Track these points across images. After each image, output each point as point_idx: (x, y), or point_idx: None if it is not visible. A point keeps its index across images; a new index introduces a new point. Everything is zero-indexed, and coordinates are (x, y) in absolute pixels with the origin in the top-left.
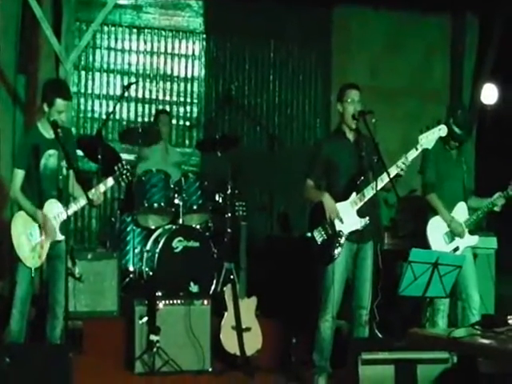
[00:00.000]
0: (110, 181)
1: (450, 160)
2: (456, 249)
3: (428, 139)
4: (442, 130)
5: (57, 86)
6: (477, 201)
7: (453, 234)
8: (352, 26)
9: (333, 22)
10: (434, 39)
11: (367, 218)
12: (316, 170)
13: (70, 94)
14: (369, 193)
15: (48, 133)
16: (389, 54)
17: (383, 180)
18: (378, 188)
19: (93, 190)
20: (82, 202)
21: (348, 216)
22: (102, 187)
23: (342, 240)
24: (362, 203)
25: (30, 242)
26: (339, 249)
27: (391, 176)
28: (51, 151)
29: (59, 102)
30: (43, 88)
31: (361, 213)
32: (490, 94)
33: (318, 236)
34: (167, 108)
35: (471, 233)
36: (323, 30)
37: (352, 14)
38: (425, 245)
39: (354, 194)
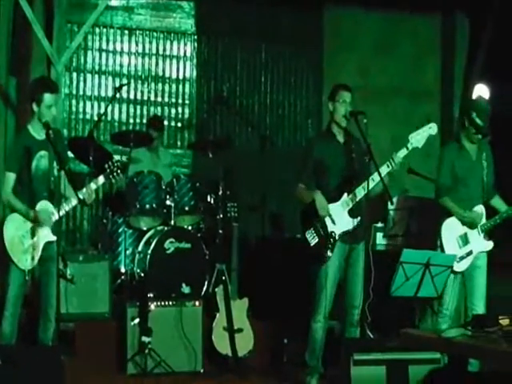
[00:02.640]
0: (101, 179)
1: (469, 160)
2: (469, 253)
3: (418, 138)
4: (432, 129)
5: (41, 82)
6: (500, 203)
7: (467, 238)
8: (343, 27)
9: (324, 22)
10: (425, 39)
11: (359, 218)
12: (306, 172)
13: (56, 86)
14: (360, 193)
15: (39, 134)
16: (380, 55)
17: (374, 180)
18: (370, 188)
19: (84, 189)
20: (74, 202)
21: (340, 217)
22: (92, 186)
23: (334, 242)
24: (353, 204)
25: (22, 244)
26: (331, 251)
27: (382, 175)
28: (42, 152)
29: (47, 97)
30: (29, 89)
31: (352, 213)
32: (481, 93)
33: (311, 238)
34: (159, 109)
35: (486, 238)
36: (314, 30)
37: (343, 15)
38: (437, 246)
39: (346, 194)
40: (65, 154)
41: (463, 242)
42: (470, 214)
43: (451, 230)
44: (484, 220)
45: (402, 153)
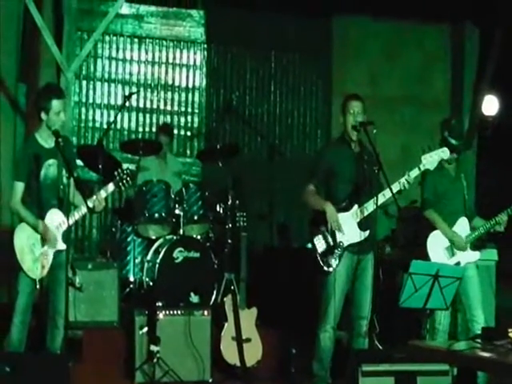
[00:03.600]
0: (111, 186)
1: (448, 178)
2: (457, 264)
3: (430, 160)
4: (444, 153)
5: (48, 89)
6: (480, 222)
7: (453, 249)
8: (352, 36)
9: (333, 31)
10: (434, 48)
11: (368, 231)
12: (318, 175)
13: (62, 92)
14: (370, 207)
15: (47, 142)
16: (388, 63)
17: (385, 196)
18: (380, 203)
19: (93, 197)
20: (83, 210)
21: (349, 227)
22: (102, 193)
23: (341, 251)
24: (363, 216)
25: (33, 253)
26: (337, 260)
27: (393, 192)
28: (51, 161)
29: (55, 103)
30: (36, 98)
31: (361, 225)
32: (490, 104)
33: (319, 245)
34: (168, 118)
35: (473, 248)
36: (323, 39)
37: (351, 24)
38: (425, 259)
39: (356, 206)
40: (73, 161)
41: (450, 254)
42: (458, 237)
43: (437, 241)
44: (468, 232)
45: (414, 173)
